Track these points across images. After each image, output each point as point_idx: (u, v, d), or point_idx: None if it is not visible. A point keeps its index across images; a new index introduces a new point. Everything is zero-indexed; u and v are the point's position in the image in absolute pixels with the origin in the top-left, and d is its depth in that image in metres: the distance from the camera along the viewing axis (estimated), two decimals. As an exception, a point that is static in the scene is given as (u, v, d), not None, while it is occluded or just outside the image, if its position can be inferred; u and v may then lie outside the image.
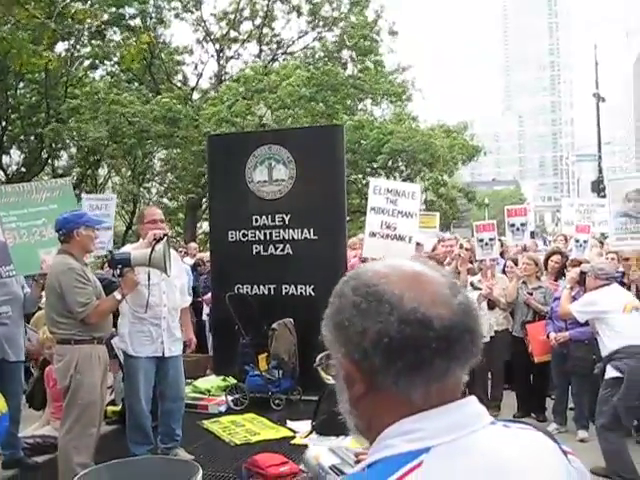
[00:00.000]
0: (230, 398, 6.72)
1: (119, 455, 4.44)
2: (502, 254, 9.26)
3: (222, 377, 7.21)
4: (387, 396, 1.05)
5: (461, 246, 8.28)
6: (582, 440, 6.62)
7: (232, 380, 7.05)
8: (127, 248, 5.03)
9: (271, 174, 7.25)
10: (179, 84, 21.08)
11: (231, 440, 5.63)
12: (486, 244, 7.92)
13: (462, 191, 23.12)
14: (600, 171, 31.21)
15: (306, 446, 5.40)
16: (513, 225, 8.01)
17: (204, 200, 20.20)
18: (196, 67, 21.31)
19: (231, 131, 15.99)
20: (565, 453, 1.12)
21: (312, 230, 7.14)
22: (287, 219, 7.21)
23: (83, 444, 4.26)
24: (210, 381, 7.13)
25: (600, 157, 31.87)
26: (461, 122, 20.67)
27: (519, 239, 8.03)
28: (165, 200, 26.17)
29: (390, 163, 20.78)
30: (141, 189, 26.14)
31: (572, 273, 6.78)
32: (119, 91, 17.34)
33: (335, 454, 1.42)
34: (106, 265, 9.42)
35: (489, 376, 7.93)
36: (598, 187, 29.31)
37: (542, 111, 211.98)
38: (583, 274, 6.65)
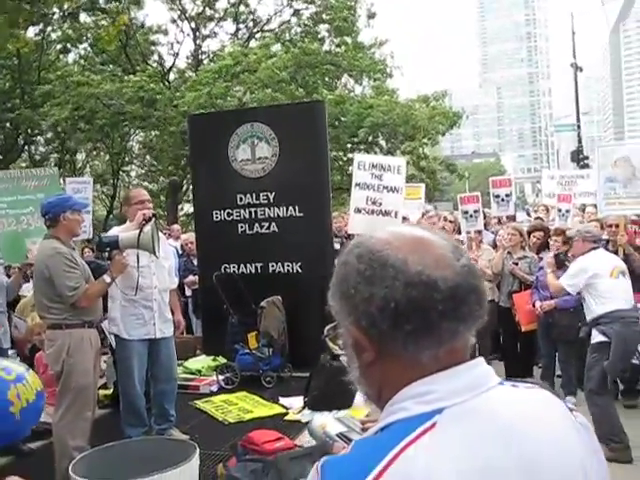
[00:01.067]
0: (221, 377, 6.73)
1: (114, 438, 4.45)
2: (485, 225, 9.31)
3: (212, 357, 7.22)
4: (397, 361, 1.06)
5: (445, 219, 8.32)
6: (570, 408, 6.71)
7: (222, 360, 7.06)
8: (115, 231, 4.99)
9: (254, 152, 7.21)
10: (155, 65, 20.83)
11: (225, 419, 5.66)
12: (471, 216, 7.97)
13: (443, 163, 23.09)
14: (579, 141, 31.40)
15: (299, 422, 5.47)
16: (498, 196, 8.06)
17: (185, 182, 20.07)
18: (172, 47, 21.07)
19: (210, 112, 15.84)
20: (570, 410, 1.14)
21: (297, 207, 7.13)
22: (272, 197, 7.19)
23: (78, 428, 4.26)
24: (200, 361, 7.14)
25: (579, 127, 32.04)
26: (439, 91, 20.55)
27: (504, 210, 8.08)
28: (145, 183, 25.98)
29: (370, 138, 20.73)
30: (120, 172, 25.95)
31: (549, 258, 6.82)
32: (91, 74, 17.09)
33: (341, 422, 1.43)
34: (87, 250, 9.42)
35: (476, 346, 8.00)
36: (578, 157, 29.55)
37: (520, 82, 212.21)
38: (559, 259, 6.74)
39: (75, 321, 4.28)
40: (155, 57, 22.01)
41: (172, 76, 21.12)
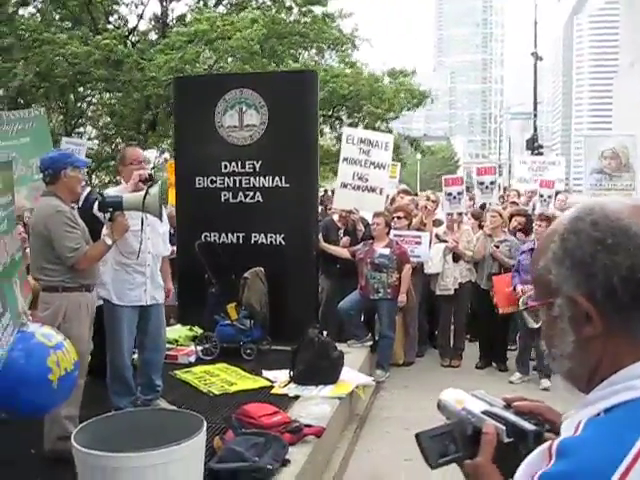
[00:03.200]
0: (199, 348, 6.59)
1: (100, 407, 4.30)
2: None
3: (188, 327, 7.06)
4: (625, 336, 1.01)
5: (428, 198, 8.30)
6: (545, 389, 6.83)
7: (199, 330, 6.92)
8: (112, 192, 4.75)
9: (242, 119, 7.00)
10: (119, 24, 20.16)
11: (209, 390, 5.52)
12: (454, 198, 7.97)
13: (408, 138, 23.07)
14: (535, 129, 31.86)
15: (286, 395, 5.39)
16: (482, 183, 8.05)
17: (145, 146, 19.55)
18: (136, 7, 20.36)
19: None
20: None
21: (283, 178, 6.97)
22: (258, 166, 7.01)
23: (71, 396, 4.07)
24: (177, 331, 6.96)
25: (535, 115, 32.50)
26: (408, 69, 20.50)
27: (488, 197, 8.09)
28: (96, 147, 25.23)
29: (333, 112, 20.56)
30: (73, 134, 25.16)
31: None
32: (55, 30, 16.40)
33: (479, 399, 1.34)
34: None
35: (452, 327, 8.05)
36: (532, 145, 29.94)
37: (473, 68, 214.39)
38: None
39: (73, 284, 4.07)
40: (116, 17, 21.29)
41: (134, 38, 20.47)
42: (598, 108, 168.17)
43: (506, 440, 1.23)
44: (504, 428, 1.24)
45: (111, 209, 4.16)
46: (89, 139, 27.41)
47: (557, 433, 1.22)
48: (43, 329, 3.22)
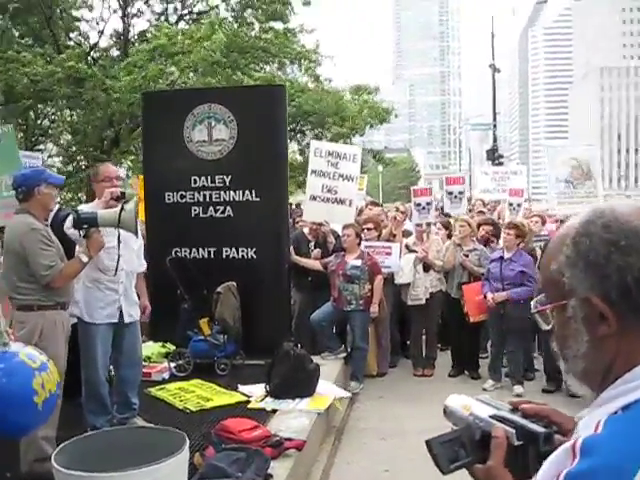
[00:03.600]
0: (173, 365, 6.53)
1: (76, 426, 4.24)
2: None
3: (160, 343, 6.98)
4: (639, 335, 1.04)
5: (397, 209, 8.37)
6: (518, 395, 6.91)
7: (171, 346, 6.85)
8: (83, 208, 4.69)
9: (211, 134, 6.99)
10: (79, 40, 19.96)
11: (185, 407, 5.47)
12: (423, 208, 8.05)
13: (370, 152, 23.27)
14: (495, 140, 32.32)
15: (264, 410, 5.36)
16: (451, 193, 8.14)
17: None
18: (97, 23, 20.20)
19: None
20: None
21: (254, 192, 6.96)
22: (228, 180, 7.00)
23: (48, 416, 4.00)
24: (149, 348, 6.86)
25: (495, 126, 32.95)
26: (371, 85, 20.71)
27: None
28: (58, 164, 24.86)
29: (297, 126, 20.63)
30: (34, 151, 24.75)
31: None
32: (18, 48, 16.18)
33: (485, 404, 1.36)
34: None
35: (423, 337, 8.10)
36: (493, 155, 30.38)
37: (431, 81, 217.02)
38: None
39: (48, 302, 4.01)
40: (77, 33, 21.08)
41: (95, 54, 20.28)
42: (554, 118, 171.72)
43: (516, 443, 1.25)
44: (513, 431, 1.25)
45: (86, 225, 4.11)
46: (49, 156, 27.04)
47: (564, 434, 1.25)
48: (27, 349, 3.16)
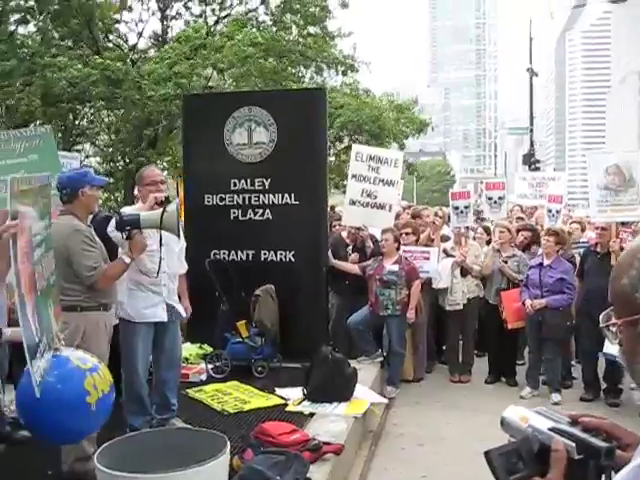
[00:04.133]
0: (210, 366, 6.57)
1: (115, 426, 4.27)
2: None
3: (198, 345, 7.03)
4: None
5: (436, 214, 8.32)
6: (556, 403, 6.83)
7: (208, 348, 6.89)
8: (125, 210, 4.75)
9: (251, 137, 7.03)
10: (118, 42, 20.22)
11: (223, 409, 5.50)
12: (461, 212, 8.00)
13: (405, 162, 23.23)
14: (532, 144, 31.95)
15: (302, 413, 5.37)
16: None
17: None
18: (136, 25, 20.45)
19: (176, 92, 15.47)
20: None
21: (293, 195, 6.99)
22: (267, 183, 7.03)
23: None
24: (187, 349, 6.89)
25: (532, 131, 32.59)
26: (410, 98, 20.73)
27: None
28: (95, 163, 25.18)
29: (335, 134, 20.65)
30: (72, 151, 25.13)
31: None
32: (56, 52, 16.44)
33: (544, 416, 1.33)
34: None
35: (460, 342, 8.04)
36: (529, 160, 30.06)
37: (467, 84, 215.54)
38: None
39: (91, 303, 4.06)
40: (116, 35, 21.36)
41: (134, 56, 20.53)
42: (591, 123, 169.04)
43: (576, 457, 1.23)
44: (574, 445, 1.23)
45: (129, 227, 4.16)
46: (87, 156, 27.43)
47: (623, 449, 1.22)
48: (77, 353, 3.20)
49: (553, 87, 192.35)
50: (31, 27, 20.22)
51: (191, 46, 16.40)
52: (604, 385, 7.09)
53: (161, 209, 4.21)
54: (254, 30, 16.15)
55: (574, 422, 1.30)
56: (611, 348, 6.04)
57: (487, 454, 1.28)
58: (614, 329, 1.16)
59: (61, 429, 3.01)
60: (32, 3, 18.61)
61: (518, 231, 7.98)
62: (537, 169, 28.45)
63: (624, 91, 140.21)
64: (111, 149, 22.24)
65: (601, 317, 1.18)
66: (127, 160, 18.95)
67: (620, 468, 1.05)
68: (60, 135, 24.23)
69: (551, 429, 1.29)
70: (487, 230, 8.53)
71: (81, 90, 16.06)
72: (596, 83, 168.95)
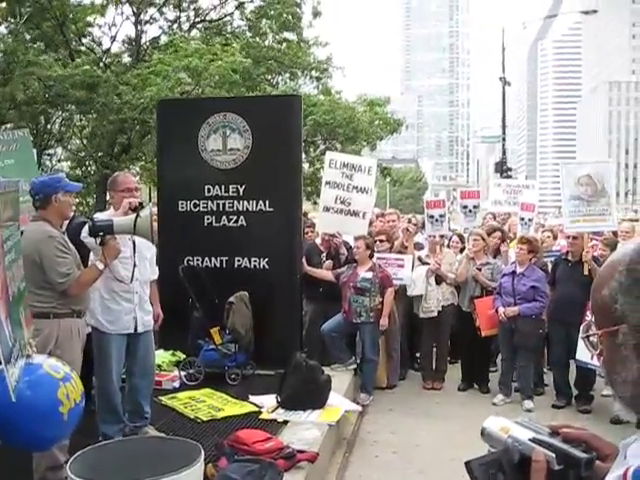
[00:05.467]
0: (183, 373, 6.52)
1: (88, 435, 4.22)
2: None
3: (171, 352, 6.97)
4: None
5: (409, 221, 8.36)
6: (529, 410, 6.89)
7: (181, 355, 6.84)
8: (98, 216, 4.69)
9: (226, 143, 7.00)
10: (92, 45, 20.07)
11: (197, 417, 5.45)
12: (436, 220, 8.03)
13: (379, 167, 23.29)
14: (504, 152, 32.24)
15: (275, 421, 5.34)
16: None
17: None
18: (109, 29, 20.30)
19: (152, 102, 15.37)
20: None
21: (267, 202, 6.96)
22: (242, 190, 7.00)
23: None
24: (160, 356, 6.82)
25: (504, 139, 32.86)
26: (383, 96, 20.76)
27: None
28: (66, 168, 24.90)
29: (308, 137, 20.65)
30: (43, 155, 24.85)
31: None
32: (34, 52, 16.27)
33: (524, 427, 1.34)
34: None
35: (434, 349, 8.07)
36: (501, 168, 30.33)
37: (440, 92, 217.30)
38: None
39: (64, 310, 4.02)
40: (90, 39, 21.18)
41: (107, 60, 20.38)
42: (562, 132, 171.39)
43: (556, 467, 1.24)
44: (554, 455, 1.24)
45: (102, 233, 4.12)
46: (58, 160, 27.12)
47: (602, 460, 1.24)
48: (50, 361, 3.16)
49: (525, 96, 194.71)
50: (2, 29, 20.03)
51: (188, 67, 16.24)
52: (575, 392, 7.16)
53: (134, 215, 4.18)
54: (242, 59, 16.02)
55: (554, 433, 1.32)
56: (583, 355, 6.12)
57: (468, 464, 1.29)
58: (594, 339, 1.18)
59: (32, 437, 2.97)
60: (4, 5, 18.45)
61: (488, 234, 8.03)
62: (509, 177, 28.76)
63: (594, 101, 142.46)
64: (83, 154, 22.05)
65: (582, 327, 1.22)
66: (100, 165, 18.77)
67: (599, 479, 1.06)
68: (32, 138, 23.94)
69: (532, 440, 1.30)
70: (461, 238, 8.58)
71: (57, 93, 15.92)
72: (567, 92, 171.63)
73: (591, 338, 1.19)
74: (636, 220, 11.68)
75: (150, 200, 16.82)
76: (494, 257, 8.06)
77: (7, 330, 2.59)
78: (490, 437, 1.39)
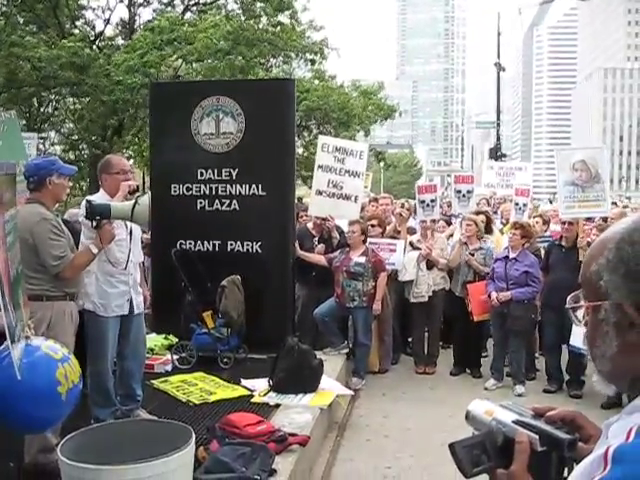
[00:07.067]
0: (176, 357, 6.52)
1: (80, 417, 4.22)
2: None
3: (163, 335, 6.97)
4: None
5: (402, 205, 8.35)
6: (520, 395, 6.92)
7: (174, 338, 6.84)
8: (92, 199, 4.66)
9: (219, 127, 6.96)
10: (85, 29, 19.93)
11: (188, 400, 5.46)
12: (427, 205, 8.03)
13: (373, 151, 23.28)
14: (498, 138, 32.29)
15: (267, 404, 5.36)
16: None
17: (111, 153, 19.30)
18: (103, 12, 20.15)
19: (144, 81, 15.31)
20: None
21: (260, 186, 6.94)
22: (234, 174, 6.97)
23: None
24: (152, 339, 6.84)
25: (499, 125, 32.89)
26: (376, 82, 20.74)
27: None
28: (58, 151, 24.80)
29: (302, 122, 20.61)
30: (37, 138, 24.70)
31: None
32: (22, 33, 16.16)
33: (508, 410, 1.35)
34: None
35: (426, 334, 8.09)
36: (496, 154, 30.35)
37: (435, 77, 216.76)
38: None
39: (57, 293, 4.01)
40: (83, 21, 21.03)
41: (101, 43, 20.25)
42: (557, 118, 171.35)
43: (539, 449, 1.24)
44: (537, 437, 1.25)
45: (99, 217, 4.10)
46: (51, 144, 27.01)
47: (586, 440, 1.25)
48: (48, 342, 3.16)
49: (520, 82, 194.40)
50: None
51: (165, 38, 16.21)
52: (567, 377, 7.20)
53: (132, 201, 4.16)
54: (226, 27, 15.97)
55: (538, 415, 1.32)
56: (577, 341, 6.15)
57: (451, 446, 1.30)
58: (581, 312, 1.19)
59: (31, 417, 2.98)
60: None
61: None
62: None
63: (589, 87, 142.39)
64: (76, 137, 21.96)
65: (569, 298, 1.22)
66: (93, 148, 18.70)
67: (581, 460, 1.07)
68: (24, 122, 23.87)
69: (515, 422, 1.30)
70: (448, 222, 8.59)
71: (46, 74, 15.83)
72: (562, 79, 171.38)
73: (578, 310, 1.21)
74: (626, 207, 11.73)
75: (144, 184, 16.82)
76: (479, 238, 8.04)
77: (11, 310, 2.60)
78: (474, 420, 1.40)
